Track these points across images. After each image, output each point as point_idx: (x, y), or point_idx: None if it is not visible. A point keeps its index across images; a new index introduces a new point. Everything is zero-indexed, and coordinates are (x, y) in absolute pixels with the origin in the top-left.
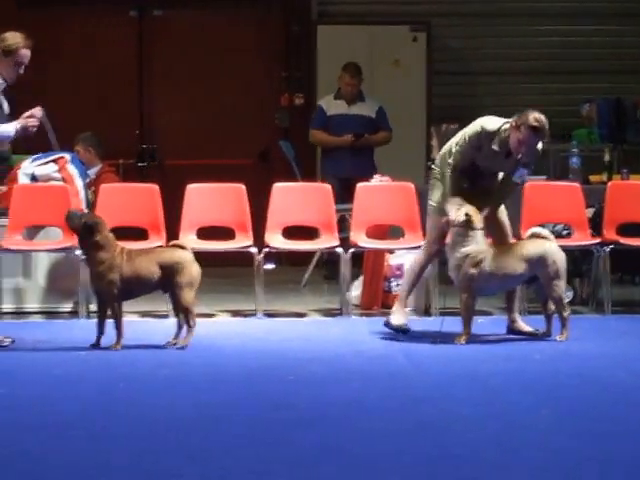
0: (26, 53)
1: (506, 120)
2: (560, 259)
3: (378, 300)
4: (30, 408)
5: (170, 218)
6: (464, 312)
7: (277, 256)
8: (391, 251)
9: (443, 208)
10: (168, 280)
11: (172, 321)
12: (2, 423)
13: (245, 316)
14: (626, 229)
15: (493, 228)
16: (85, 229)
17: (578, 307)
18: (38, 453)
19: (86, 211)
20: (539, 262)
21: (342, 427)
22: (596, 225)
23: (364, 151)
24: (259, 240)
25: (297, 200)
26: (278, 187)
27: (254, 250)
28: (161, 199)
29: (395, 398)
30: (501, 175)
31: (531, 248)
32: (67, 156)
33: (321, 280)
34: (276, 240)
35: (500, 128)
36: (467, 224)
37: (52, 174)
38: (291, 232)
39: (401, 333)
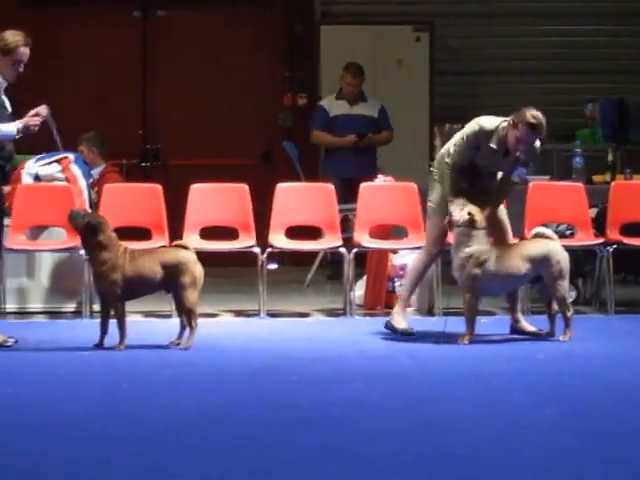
0: (25, 51)
1: (503, 119)
2: (564, 259)
3: (381, 300)
4: (33, 408)
5: (173, 218)
6: (467, 312)
7: (280, 256)
8: (394, 251)
9: (442, 210)
10: (171, 280)
11: (175, 321)
12: (5, 423)
13: (248, 316)
14: (629, 229)
15: (493, 228)
16: (88, 229)
17: (581, 307)
18: (39, 453)
19: (89, 211)
20: (543, 262)
21: (344, 427)
22: (599, 225)
23: (366, 151)
24: (262, 240)
25: (300, 200)
26: (281, 187)
27: (257, 250)
28: (164, 199)
29: (398, 398)
30: (499, 174)
31: (535, 248)
32: (71, 156)
33: (324, 280)
34: (279, 240)
35: (498, 127)
36: (471, 224)
37: (56, 174)
38: (294, 232)
39: (406, 336)
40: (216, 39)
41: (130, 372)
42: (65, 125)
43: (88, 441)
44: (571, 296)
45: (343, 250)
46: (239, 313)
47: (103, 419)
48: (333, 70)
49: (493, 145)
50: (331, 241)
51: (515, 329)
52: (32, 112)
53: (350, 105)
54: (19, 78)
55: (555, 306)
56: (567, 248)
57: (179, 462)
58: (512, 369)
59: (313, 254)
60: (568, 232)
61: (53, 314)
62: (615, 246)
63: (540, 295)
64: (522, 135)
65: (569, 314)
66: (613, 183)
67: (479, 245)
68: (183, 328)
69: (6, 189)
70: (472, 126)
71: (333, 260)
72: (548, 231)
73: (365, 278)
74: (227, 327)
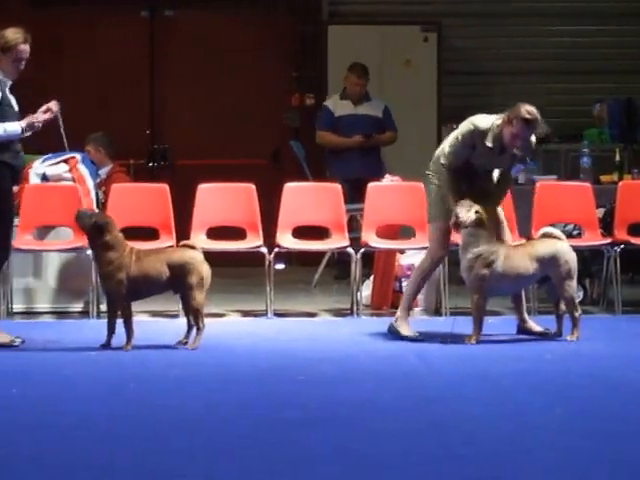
0: (25, 49)
1: (497, 116)
2: (572, 259)
3: (389, 300)
4: (38, 408)
5: (181, 218)
6: (475, 312)
7: (287, 256)
8: (402, 251)
9: (443, 213)
10: (178, 280)
11: (182, 321)
12: (9, 423)
13: (255, 316)
14: (637, 229)
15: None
16: (95, 229)
17: (589, 307)
18: (42, 453)
19: (96, 211)
20: (551, 262)
21: (351, 427)
22: (607, 225)
23: (372, 151)
24: (270, 240)
25: (308, 200)
26: (289, 187)
27: (264, 250)
28: (172, 199)
29: (406, 398)
30: (496, 173)
31: (543, 248)
32: (78, 156)
33: (331, 280)
34: (287, 240)
35: (492, 125)
36: (478, 224)
37: (63, 174)
38: (302, 232)
39: (413, 342)
40: (223, 39)
41: (137, 372)
42: (72, 125)
43: (93, 441)
44: (578, 296)
45: (350, 250)
46: (246, 313)
47: (109, 419)
48: (340, 70)
49: (489, 143)
50: (338, 241)
51: (522, 329)
52: (43, 108)
53: (355, 105)
54: (25, 77)
55: (563, 306)
56: (574, 248)
57: (183, 462)
58: (520, 369)
59: (320, 254)
60: (575, 232)
61: (60, 314)
62: (622, 246)
63: (548, 295)
64: (517, 131)
65: (577, 314)
66: (620, 183)
67: (487, 245)
68: (190, 328)
69: (14, 189)
70: (467, 126)
71: (340, 260)
72: (556, 231)
73: (372, 278)
74: (234, 327)
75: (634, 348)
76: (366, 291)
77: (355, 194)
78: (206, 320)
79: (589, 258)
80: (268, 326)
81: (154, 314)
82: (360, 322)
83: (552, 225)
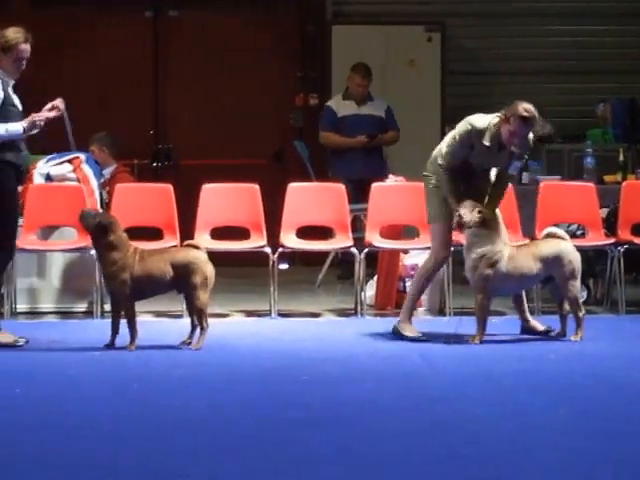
0: (26, 48)
1: (494, 115)
2: (576, 259)
3: (392, 300)
4: (42, 408)
5: (185, 218)
6: (479, 312)
7: (291, 256)
8: (405, 251)
9: (443, 214)
10: (182, 280)
11: (186, 321)
12: (12, 423)
13: (259, 316)
14: None
15: None
16: (99, 229)
17: (592, 307)
18: (45, 453)
19: (100, 211)
20: (555, 262)
21: (354, 427)
22: (610, 225)
23: (375, 151)
24: (273, 240)
25: (311, 200)
26: (293, 187)
27: (268, 250)
28: (175, 199)
29: (409, 398)
30: (494, 172)
31: (547, 248)
32: (82, 156)
33: (335, 280)
34: (290, 240)
35: (489, 124)
36: (482, 224)
37: (67, 174)
38: (305, 232)
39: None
40: (227, 39)
41: (141, 372)
42: (76, 125)
43: (96, 441)
44: (582, 296)
45: (354, 250)
46: (250, 313)
47: (112, 419)
48: (344, 70)
49: (486, 142)
50: (342, 241)
51: (526, 329)
52: (48, 106)
53: (358, 105)
54: (27, 77)
55: (567, 306)
56: (578, 248)
57: (187, 462)
58: (523, 369)
59: (324, 254)
60: (579, 232)
61: (64, 314)
62: (626, 246)
63: (552, 295)
64: (515, 129)
65: (581, 314)
66: (624, 183)
67: (491, 246)
68: (194, 328)
69: (19, 189)
70: (464, 126)
71: (344, 260)
72: (560, 231)
73: (376, 278)
74: (238, 327)
75: (638, 348)
76: (370, 291)
77: (358, 194)
78: (210, 320)
79: (593, 258)
80: (272, 326)
81: (158, 314)
82: (364, 322)
83: (556, 225)
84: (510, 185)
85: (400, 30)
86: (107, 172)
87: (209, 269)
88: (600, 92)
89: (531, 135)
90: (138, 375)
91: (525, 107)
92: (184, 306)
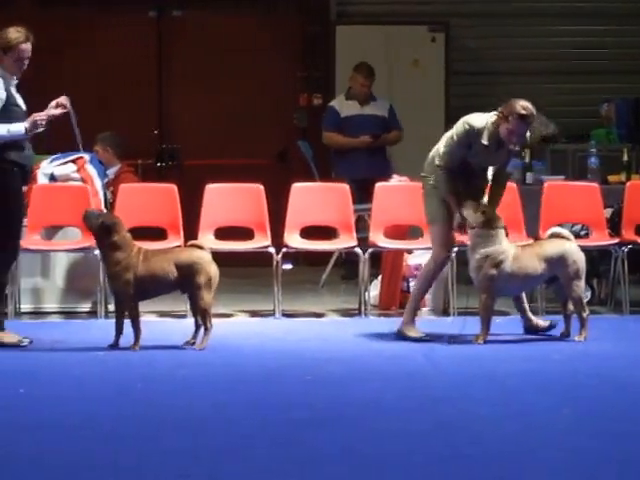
0: (27, 48)
1: (491, 114)
2: (580, 259)
3: (396, 300)
4: (46, 408)
5: (189, 218)
6: (483, 312)
7: (295, 256)
8: (409, 251)
9: (442, 215)
10: (186, 280)
11: (190, 321)
12: (18, 423)
13: (263, 316)
14: None
15: None
16: (103, 229)
17: (596, 307)
18: (48, 453)
19: (104, 211)
20: (559, 262)
21: (358, 427)
22: (614, 225)
23: (378, 151)
24: (277, 240)
25: (315, 200)
26: (297, 187)
27: (272, 250)
28: (180, 199)
29: (413, 398)
30: (490, 170)
31: (551, 248)
32: (86, 156)
33: (339, 280)
34: (294, 240)
35: (487, 123)
36: (486, 224)
37: (71, 174)
38: (309, 232)
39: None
40: (231, 39)
41: (145, 372)
42: (80, 125)
43: (97, 441)
44: (586, 296)
45: (358, 250)
46: (254, 313)
47: (115, 419)
48: (348, 70)
49: (485, 141)
50: (346, 241)
51: (529, 328)
52: (52, 103)
53: (361, 105)
54: (29, 76)
55: (571, 306)
56: (582, 248)
57: (187, 462)
58: (527, 369)
59: (328, 254)
60: (583, 232)
61: (68, 314)
62: (630, 246)
63: (556, 295)
64: (514, 127)
65: (585, 314)
66: (628, 183)
67: (495, 245)
68: (198, 328)
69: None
70: (462, 126)
71: (348, 260)
72: (564, 231)
73: (380, 278)
74: (242, 327)
75: None
76: (374, 291)
77: (362, 194)
78: (214, 320)
79: (597, 258)
80: (276, 326)
81: (162, 314)
82: (368, 322)
83: (560, 225)
84: (515, 185)
85: (404, 30)
86: (111, 172)
87: (213, 269)
88: (604, 92)
89: (528, 133)
90: (142, 375)
91: (523, 105)
92: (188, 306)
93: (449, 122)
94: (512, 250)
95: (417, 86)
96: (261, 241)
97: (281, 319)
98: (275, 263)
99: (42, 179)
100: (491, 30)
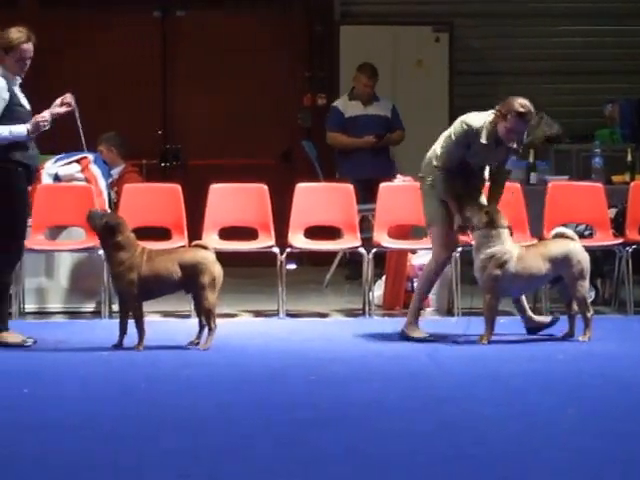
0: (28, 48)
1: (488, 113)
2: (584, 259)
3: (400, 300)
4: (50, 408)
5: (193, 218)
6: (487, 312)
7: (299, 256)
8: (413, 251)
9: (442, 215)
10: (190, 280)
11: (194, 321)
12: (23, 423)
13: (267, 316)
14: None
15: None
16: (106, 229)
17: (600, 307)
18: (51, 453)
19: (108, 211)
20: (564, 262)
21: (363, 427)
22: (618, 225)
23: (382, 151)
24: (281, 240)
25: (319, 200)
26: (301, 187)
27: (276, 250)
28: (184, 199)
29: (416, 398)
30: (487, 168)
31: (556, 248)
32: (90, 156)
33: (343, 280)
34: (298, 240)
35: (485, 122)
36: (490, 224)
37: (75, 174)
38: (313, 232)
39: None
40: (236, 39)
41: (149, 372)
42: (85, 125)
43: (100, 441)
44: (590, 296)
45: (362, 250)
46: (258, 313)
47: (119, 419)
48: (352, 70)
49: (484, 140)
50: (350, 241)
51: (531, 328)
52: (57, 101)
53: (364, 105)
54: (32, 76)
55: (575, 307)
56: (586, 248)
57: (188, 462)
58: (531, 369)
59: (332, 254)
60: (587, 232)
61: (72, 314)
62: (634, 246)
63: (560, 295)
64: (512, 125)
65: (589, 315)
66: (632, 183)
67: (500, 246)
68: (202, 328)
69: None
70: (460, 126)
71: (352, 260)
72: (569, 231)
73: (384, 278)
74: (246, 327)
75: None
76: (378, 291)
77: (366, 194)
78: (218, 320)
79: (601, 258)
80: (280, 326)
81: (166, 314)
82: (372, 322)
83: (564, 225)
84: (519, 185)
85: (408, 30)
86: (115, 172)
87: (217, 269)
88: (608, 92)
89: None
90: (146, 375)
91: (521, 102)
92: (192, 306)
93: (453, 122)
94: (516, 250)
95: (421, 86)
96: (265, 241)
97: (285, 319)
98: (279, 263)
99: (46, 179)
100: (495, 30)
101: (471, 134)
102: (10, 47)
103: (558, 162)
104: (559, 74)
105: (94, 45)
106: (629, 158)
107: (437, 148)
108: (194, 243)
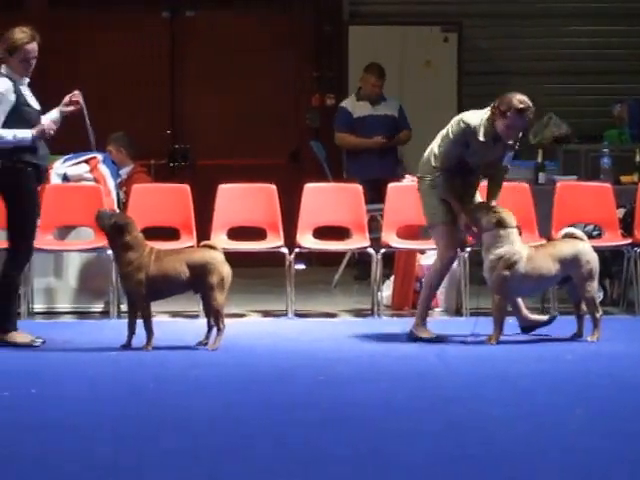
0: (32, 48)
1: (484, 110)
2: (594, 259)
3: (409, 300)
4: (56, 409)
5: (201, 218)
6: (496, 313)
7: (308, 256)
8: (422, 251)
9: (443, 215)
10: (199, 280)
11: (202, 321)
12: (28, 423)
13: (276, 316)
14: None
15: None
16: (115, 229)
17: (609, 308)
18: (55, 453)
19: (117, 211)
20: (573, 262)
21: (370, 427)
22: (627, 225)
23: (390, 151)
24: (290, 240)
25: (328, 200)
26: (309, 187)
27: (285, 250)
28: (192, 199)
29: (424, 398)
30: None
31: (565, 248)
32: (99, 156)
33: (351, 280)
34: (307, 240)
35: (482, 119)
36: (499, 224)
37: (84, 174)
38: (322, 232)
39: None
40: (244, 39)
41: (157, 373)
42: (93, 125)
43: (106, 442)
44: (598, 297)
45: (371, 250)
46: (267, 313)
47: (127, 420)
48: (361, 71)
49: (482, 138)
50: (359, 241)
51: (525, 327)
52: (66, 99)
53: (372, 106)
54: (37, 76)
55: (584, 307)
56: (594, 249)
57: (187, 462)
58: (539, 370)
59: (341, 254)
60: (595, 233)
61: (81, 314)
62: None
63: (569, 296)
64: (512, 122)
65: (598, 315)
66: None
67: (509, 246)
68: (210, 328)
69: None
70: (458, 124)
71: (360, 260)
72: (578, 231)
73: (393, 278)
74: (255, 327)
75: None
76: (387, 291)
77: (374, 194)
78: (226, 320)
79: (609, 259)
80: (288, 326)
81: (174, 314)
82: (381, 322)
83: (572, 225)
84: (527, 185)
85: (417, 30)
86: (124, 172)
87: (226, 269)
88: (617, 93)
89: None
90: (154, 375)
91: (519, 99)
92: (201, 306)
93: None
94: (526, 251)
95: (429, 86)
96: (274, 241)
97: (294, 319)
98: (288, 263)
99: (55, 179)
100: (504, 30)
101: (469, 132)
102: (14, 48)
103: (566, 162)
104: (568, 74)
105: (103, 45)
106: (637, 158)
107: (434, 147)
108: (203, 243)
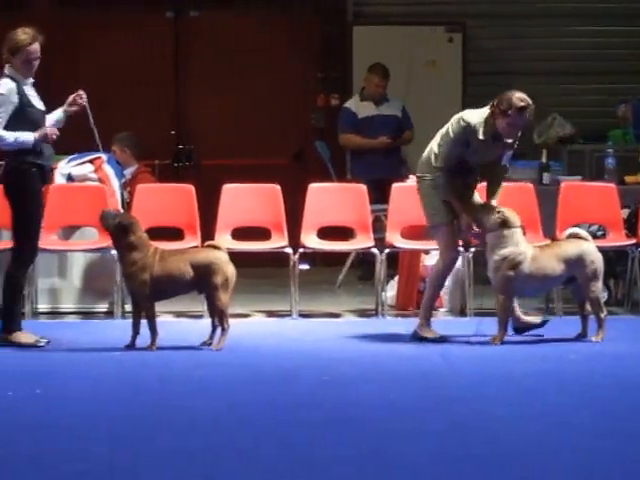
0: (35, 48)
1: (484, 109)
2: (598, 259)
3: (413, 301)
4: (60, 409)
5: (206, 218)
6: (500, 313)
7: (312, 257)
8: (426, 252)
9: (444, 214)
10: (203, 281)
11: (207, 322)
12: (31, 423)
13: (280, 316)
14: None
15: None
16: (119, 229)
17: (613, 308)
18: (48, 453)
19: (121, 211)
20: (577, 262)
21: (374, 427)
22: (631, 226)
23: (394, 151)
24: (294, 240)
25: (332, 200)
26: (313, 187)
27: (289, 250)
28: (197, 199)
29: (429, 398)
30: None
31: (570, 249)
32: (103, 156)
33: (356, 281)
34: (311, 240)
35: (482, 118)
36: (503, 224)
37: (88, 174)
38: (326, 232)
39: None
40: (248, 40)
41: (162, 373)
42: (98, 126)
43: (110, 442)
44: (603, 297)
45: (375, 250)
46: (271, 313)
47: (131, 420)
48: (365, 71)
49: (481, 137)
50: (363, 241)
51: (518, 328)
52: (70, 99)
53: (376, 106)
54: (41, 75)
55: (588, 307)
56: (598, 249)
57: (186, 462)
58: (544, 370)
59: (345, 254)
60: (600, 233)
61: (85, 314)
62: None
63: (573, 296)
64: (513, 120)
65: (602, 315)
66: None
67: (514, 246)
68: (215, 329)
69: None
70: (458, 123)
71: (365, 260)
72: (582, 232)
73: (397, 279)
74: (259, 327)
75: None
76: (391, 292)
77: (378, 195)
78: (231, 320)
79: (613, 259)
80: (293, 326)
81: (178, 314)
82: (385, 323)
83: (577, 226)
84: (531, 185)
85: (421, 31)
86: (128, 172)
87: (230, 270)
88: (621, 93)
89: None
90: (158, 376)
91: (519, 97)
92: (205, 307)
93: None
94: (530, 251)
95: (434, 87)
96: (278, 241)
97: (298, 319)
98: (292, 263)
99: (59, 179)
100: (508, 31)
101: (469, 131)
102: (16, 49)
103: (571, 162)
104: (572, 74)
105: (108, 45)
106: None
107: (434, 146)
108: (207, 243)
